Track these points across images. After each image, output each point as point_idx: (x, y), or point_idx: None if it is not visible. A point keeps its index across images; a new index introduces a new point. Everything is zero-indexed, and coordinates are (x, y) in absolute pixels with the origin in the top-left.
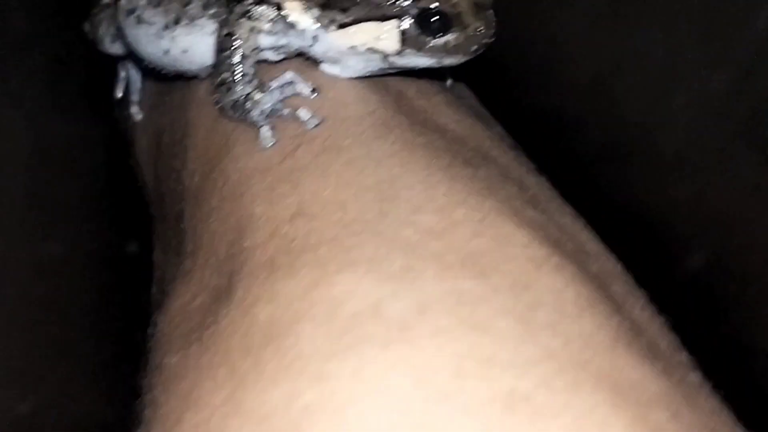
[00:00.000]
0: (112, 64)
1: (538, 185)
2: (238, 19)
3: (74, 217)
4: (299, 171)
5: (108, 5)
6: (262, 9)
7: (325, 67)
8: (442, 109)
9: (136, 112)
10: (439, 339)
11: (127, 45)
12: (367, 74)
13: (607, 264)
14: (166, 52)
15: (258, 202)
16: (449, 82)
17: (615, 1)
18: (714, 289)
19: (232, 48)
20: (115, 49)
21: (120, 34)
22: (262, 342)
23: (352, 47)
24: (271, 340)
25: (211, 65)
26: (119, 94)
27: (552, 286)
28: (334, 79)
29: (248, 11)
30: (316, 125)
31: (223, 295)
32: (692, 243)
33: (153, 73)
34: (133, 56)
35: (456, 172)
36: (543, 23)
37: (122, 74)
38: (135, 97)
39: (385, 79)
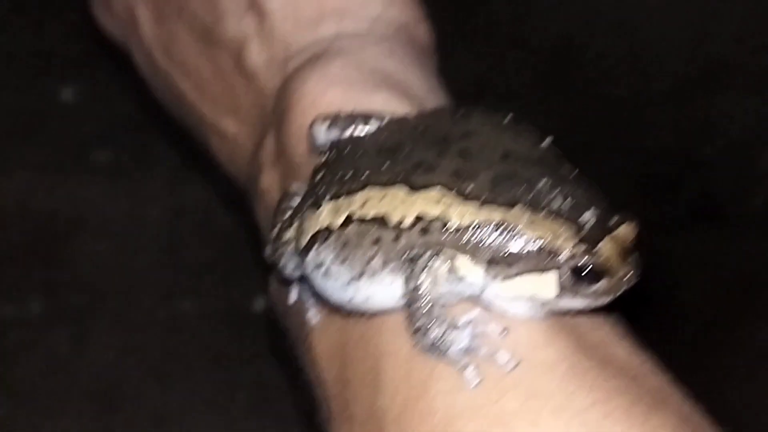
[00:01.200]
0: None
1: (708, 424)
2: (420, 273)
3: (206, 275)
4: (510, 416)
5: (288, 241)
6: (438, 263)
7: (499, 308)
8: (613, 342)
9: (312, 316)
10: None
11: (308, 281)
12: (540, 315)
13: None
14: (350, 300)
15: None
16: None
17: (700, 69)
18: None
19: (421, 299)
20: (297, 274)
21: (303, 272)
22: None
23: (516, 295)
24: None
25: (388, 309)
26: (293, 301)
27: None
28: (515, 319)
29: (427, 266)
30: (513, 368)
31: None
32: None
33: None
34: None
35: (650, 421)
36: (631, 93)
37: (294, 284)
38: (311, 303)
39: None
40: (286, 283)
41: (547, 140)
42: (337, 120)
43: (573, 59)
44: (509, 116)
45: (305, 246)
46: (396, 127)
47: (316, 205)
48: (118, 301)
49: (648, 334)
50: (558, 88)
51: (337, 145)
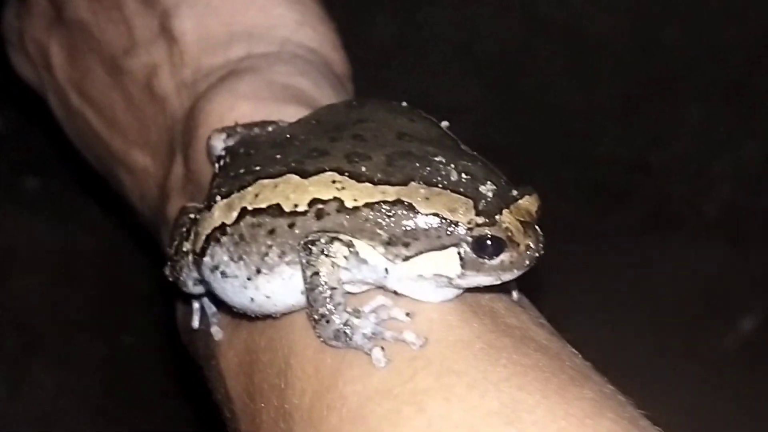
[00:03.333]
0: None
1: (629, 404)
2: (318, 258)
3: (147, 307)
4: (422, 394)
5: (187, 253)
6: (336, 246)
7: (408, 293)
8: (532, 326)
9: (216, 332)
10: None
11: (211, 291)
12: (451, 297)
13: None
14: (252, 299)
15: (385, 424)
16: (515, 295)
17: (647, 76)
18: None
19: (321, 283)
20: (198, 290)
21: (203, 281)
22: None
23: (420, 275)
24: None
25: (292, 306)
26: (196, 325)
27: None
28: (428, 304)
29: (324, 249)
30: (422, 346)
31: None
32: (743, 308)
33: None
34: (211, 293)
35: (567, 392)
36: (580, 102)
37: (196, 305)
38: (214, 320)
39: (475, 298)
40: (188, 300)
41: (444, 123)
42: (235, 130)
43: (519, 68)
44: (404, 103)
45: (200, 249)
46: (291, 125)
47: (209, 206)
48: (55, 339)
49: (606, 342)
50: (505, 99)
51: (231, 150)
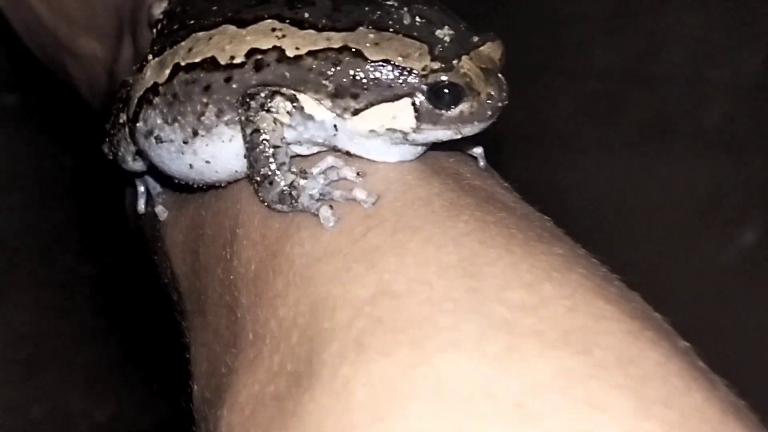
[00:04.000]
0: None
1: (602, 267)
2: (257, 113)
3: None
4: (374, 251)
5: (123, 124)
6: (277, 100)
7: (362, 152)
8: (498, 189)
9: (161, 212)
10: (557, 419)
11: (151, 163)
12: (410, 157)
13: (685, 342)
14: (191, 166)
15: (334, 284)
16: (482, 162)
17: None
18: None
19: (262, 141)
20: (138, 166)
21: (141, 154)
22: (365, 423)
23: (372, 130)
24: (376, 421)
25: (236, 172)
26: (142, 209)
27: (654, 359)
28: (382, 163)
29: (264, 104)
30: (374, 203)
31: (303, 379)
32: (742, 220)
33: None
34: (154, 169)
35: (533, 248)
36: (570, 13)
37: (141, 189)
38: (159, 200)
39: (438, 160)
40: (134, 185)
41: None
42: None
43: None
44: None
45: (133, 114)
46: None
47: (141, 68)
48: (36, 260)
49: (601, 253)
50: (500, 8)
51: (169, 11)
